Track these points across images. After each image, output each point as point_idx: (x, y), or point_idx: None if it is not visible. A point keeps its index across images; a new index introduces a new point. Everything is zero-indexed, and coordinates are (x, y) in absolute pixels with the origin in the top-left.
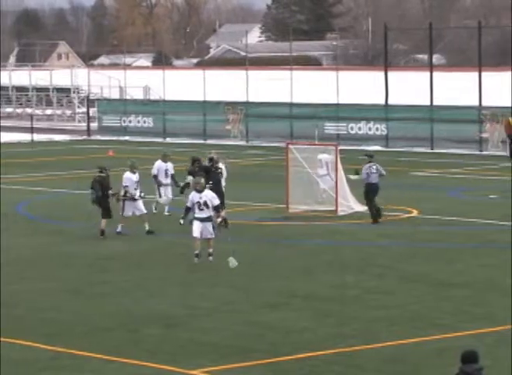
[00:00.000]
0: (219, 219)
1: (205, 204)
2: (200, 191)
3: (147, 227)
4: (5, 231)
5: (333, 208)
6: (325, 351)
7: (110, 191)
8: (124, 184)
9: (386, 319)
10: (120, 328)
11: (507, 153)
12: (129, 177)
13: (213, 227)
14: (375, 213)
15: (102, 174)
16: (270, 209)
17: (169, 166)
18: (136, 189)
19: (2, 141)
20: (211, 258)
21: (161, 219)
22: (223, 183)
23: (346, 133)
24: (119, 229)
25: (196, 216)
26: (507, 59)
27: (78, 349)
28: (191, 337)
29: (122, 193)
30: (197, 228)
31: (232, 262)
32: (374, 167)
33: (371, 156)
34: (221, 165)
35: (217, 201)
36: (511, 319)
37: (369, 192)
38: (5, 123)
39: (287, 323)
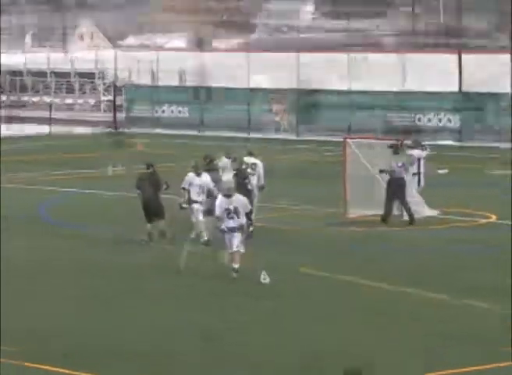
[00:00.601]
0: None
1: (236, 211)
2: (229, 197)
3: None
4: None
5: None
6: None
7: (164, 186)
8: (182, 186)
9: (441, 336)
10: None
11: None
12: (191, 179)
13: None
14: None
15: (149, 170)
16: (326, 213)
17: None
18: (199, 194)
19: (16, 134)
20: (235, 275)
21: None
22: (260, 182)
23: (413, 125)
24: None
25: (224, 226)
26: None
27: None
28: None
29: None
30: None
31: (265, 276)
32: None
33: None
34: (255, 160)
35: (249, 208)
36: None
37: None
38: (19, 113)
39: (338, 338)
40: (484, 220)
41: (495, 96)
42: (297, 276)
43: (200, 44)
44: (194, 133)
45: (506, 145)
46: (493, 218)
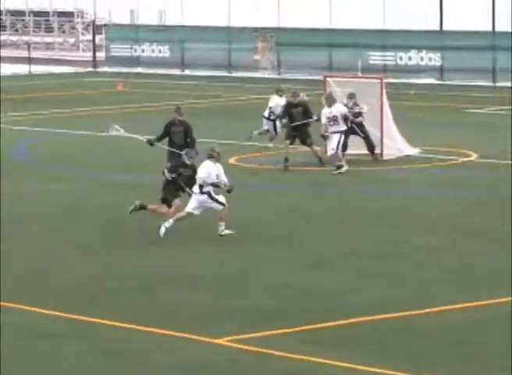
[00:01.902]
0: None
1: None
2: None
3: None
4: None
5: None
6: (372, 316)
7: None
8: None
9: (440, 279)
10: (131, 290)
11: None
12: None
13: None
14: None
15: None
16: (304, 153)
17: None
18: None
19: None
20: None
21: None
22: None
23: (395, 64)
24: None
25: None
26: None
27: (81, 314)
28: (216, 300)
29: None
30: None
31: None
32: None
33: None
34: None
35: None
36: None
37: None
38: None
39: (330, 284)
40: (465, 159)
41: (475, 34)
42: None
43: None
44: (176, 72)
45: (487, 83)
46: (474, 156)
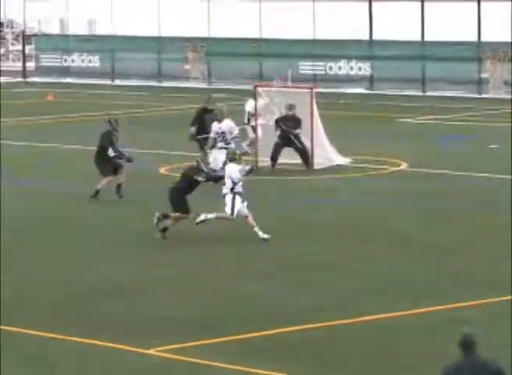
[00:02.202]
0: None
1: None
2: None
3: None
4: None
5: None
6: (303, 325)
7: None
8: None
9: (370, 289)
10: (64, 301)
11: None
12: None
13: None
14: None
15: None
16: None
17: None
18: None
19: None
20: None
21: None
22: None
23: (324, 73)
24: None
25: None
26: None
27: (14, 326)
28: (148, 310)
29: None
30: None
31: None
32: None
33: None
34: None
35: None
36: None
37: None
38: None
39: (260, 293)
40: (395, 168)
41: (405, 44)
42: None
43: None
44: (106, 82)
45: (417, 93)
46: (404, 165)
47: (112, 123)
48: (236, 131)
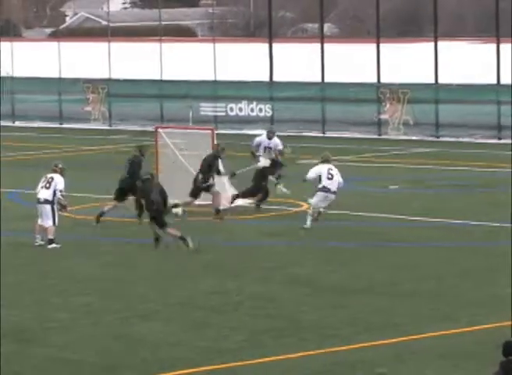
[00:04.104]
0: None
1: None
2: None
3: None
4: None
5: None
6: (203, 367)
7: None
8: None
9: (273, 329)
10: None
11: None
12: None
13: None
14: None
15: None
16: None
17: None
18: None
19: None
20: None
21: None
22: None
23: (225, 114)
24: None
25: None
26: (409, 29)
27: None
28: (45, 353)
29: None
30: None
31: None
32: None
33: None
34: None
35: None
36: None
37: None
38: None
39: (159, 335)
40: (297, 209)
41: (305, 85)
42: None
43: (10, 34)
44: (7, 123)
45: (317, 134)
46: (305, 206)
47: (139, 151)
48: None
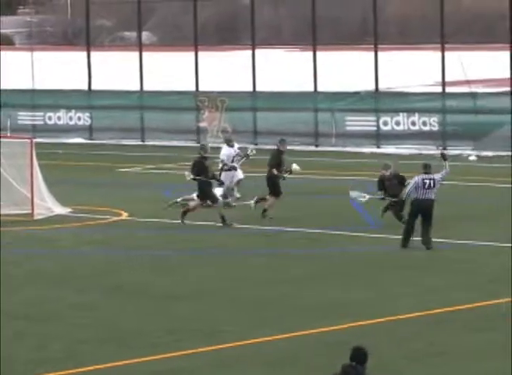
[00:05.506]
0: None
1: None
2: None
3: None
4: None
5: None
6: None
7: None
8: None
9: (94, 339)
10: None
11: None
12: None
13: None
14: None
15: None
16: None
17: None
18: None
19: None
20: None
21: None
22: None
23: (44, 123)
24: None
25: None
26: (228, 37)
27: None
28: None
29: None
30: None
31: None
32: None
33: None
34: None
35: None
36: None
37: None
38: None
39: None
40: (116, 218)
41: (124, 94)
42: None
43: None
44: None
45: (136, 142)
46: (124, 215)
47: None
48: None
